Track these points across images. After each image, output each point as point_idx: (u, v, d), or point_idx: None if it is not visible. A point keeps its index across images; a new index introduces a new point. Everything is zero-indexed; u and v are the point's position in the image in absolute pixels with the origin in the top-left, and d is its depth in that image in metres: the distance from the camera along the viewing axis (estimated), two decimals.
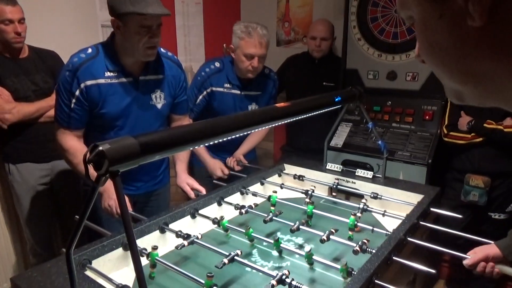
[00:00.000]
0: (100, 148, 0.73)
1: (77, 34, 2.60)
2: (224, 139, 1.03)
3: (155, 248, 1.19)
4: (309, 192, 1.70)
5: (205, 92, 2.14)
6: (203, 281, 1.05)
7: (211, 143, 1.03)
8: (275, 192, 1.65)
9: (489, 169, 2.14)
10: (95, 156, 0.73)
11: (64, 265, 0.94)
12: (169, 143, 0.84)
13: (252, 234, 1.35)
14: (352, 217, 1.40)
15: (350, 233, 1.40)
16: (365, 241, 1.27)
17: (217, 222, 1.43)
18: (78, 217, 0.81)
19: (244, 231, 1.36)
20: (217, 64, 2.17)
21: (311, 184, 1.86)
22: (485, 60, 0.38)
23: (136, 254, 0.75)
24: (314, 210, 1.58)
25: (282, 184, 1.83)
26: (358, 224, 1.43)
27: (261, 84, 2.23)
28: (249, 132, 1.11)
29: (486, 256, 1.23)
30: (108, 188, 1.56)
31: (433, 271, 1.13)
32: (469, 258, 1.24)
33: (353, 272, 1.10)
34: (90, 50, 1.61)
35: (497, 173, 2.14)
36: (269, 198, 1.62)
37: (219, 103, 2.18)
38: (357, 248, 1.23)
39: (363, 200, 1.59)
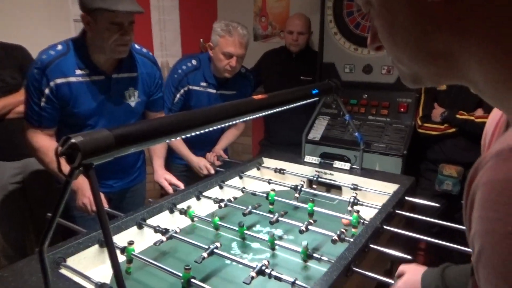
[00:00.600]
0: (73, 140, 0.71)
1: (48, 29, 2.52)
2: (201, 131, 1.02)
3: (131, 243, 1.17)
4: (298, 187, 1.69)
5: (182, 91, 2.11)
6: (180, 275, 1.04)
7: (187, 135, 1.02)
8: (273, 190, 1.62)
9: (461, 158, 2.21)
10: (67, 149, 0.71)
11: (37, 264, 0.91)
12: (144, 135, 0.83)
13: (218, 222, 1.36)
14: (355, 214, 1.40)
15: (353, 230, 1.38)
16: (343, 230, 1.29)
17: (184, 212, 1.42)
18: (51, 214, 0.78)
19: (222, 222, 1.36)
20: (194, 62, 2.13)
21: (291, 177, 1.87)
22: (445, 36, 0.39)
23: (112, 250, 0.73)
24: (292, 202, 1.59)
25: (270, 179, 1.82)
26: (346, 217, 1.45)
27: (237, 84, 2.22)
28: (225, 124, 1.10)
29: None
30: (82, 185, 1.52)
31: (409, 257, 1.15)
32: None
33: (313, 255, 1.14)
34: (60, 47, 1.56)
35: (469, 163, 2.20)
36: (267, 196, 1.60)
37: (195, 102, 2.15)
38: (336, 237, 1.24)
39: (353, 194, 1.59)
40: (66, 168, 0.76)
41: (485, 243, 0.32)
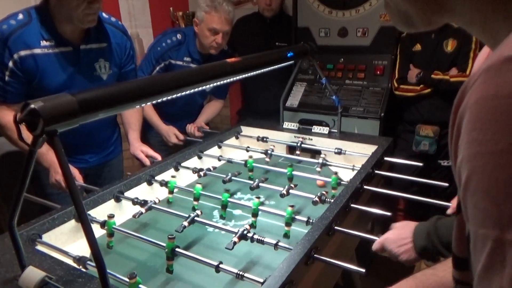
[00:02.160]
0: (32, 106, 0.66)
1: None
2: (173, 96, 0.98)
3: (111, 216, 1.14)
4: (269, 152, 1.70)
5: (162, 64, 2.07)
6: (164, 244, 1.02)
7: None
8: (251, 157, 1.62)
9: (437, 118, 2.24)
10: (27, 115, 0.66)
11: (10, 241, 0.88)
12: (111, 99, 0.78)
13: (201, 192, 1.34)
14: (333, 176, 1.41)
15: (333, 191, 1.41)
16: (324, 192, 1.29)
17: (165, 184, 1.40)
18: (18, 186, 0.74)
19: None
20: (179, 36, 2.10)
21: (273, 144, 1.86)
22: None
23: (86, 222, 0.70)
24: (273, 168, 1.59)
25: (248, 147, 1.81)
26: (321, 178, 1.45)
27: (220, 59, 2.15)
28: (198, 89, 1.06)
29: None
30: (54, 161, 1.46)
31: (389, 213, 1.17)
32: (451, 206, 1.21)
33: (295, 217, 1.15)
34: (21, 16, 1.46)
35: (445, 122, 2.24)
36: (245, 163, 1.59)
37: None
38: (316, 199, 1.25)
39: (322, 155, 1.61)
40: (30, 138, 0.71)
41: (475, 167, 0.30)
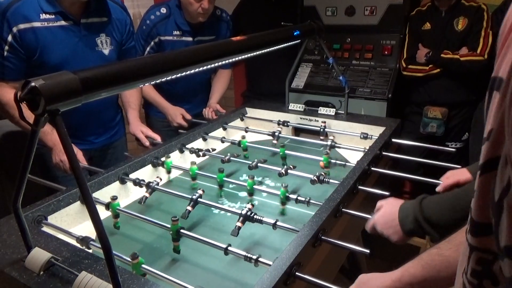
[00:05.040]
0: (33, 84, 0.64)
1: None
2: (177, 75, 0.96)
3: (114, 198, 1.13)
4: (276, 134, 1.69)
5: (152, 43, 1.97)
6: (168, 226, 1.01)
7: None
8: (244, 137, 1.61)
9: (446, 100, 2.19)
10: (27, 93, 0.64)
11: (16, 223, 0.87)
12: (115, 78, 0.76)
13: (196, 171, 1.35)
14: (324, 156, 1.40)
15: (325, 169, 1.40)
16: (322, 172, 1.27)
17: (161, 163, 1.41)
18: (21, 166, 0.73)
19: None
20: (163, 10, 1.97)
21: (279, 127, 1.84)
22: None
23: (90, 203, 0.69)
24: (269, 148, 1.60)
25: (247, 127, 1.80)
26: (318, 159, 1.44)
27: (214, 27, 2.08)
28: (202, 68, 1.03)
29: (457, 181, 1.21)
30: (58, 141, 1.45)
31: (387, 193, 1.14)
32: (441, 184, 1.23)
33: (299, 198, 1.14)
34: None
35: (453, 103, 2.20)
36: (239, 143, 1.58)
37: None
38: (315, 178, 1.23)
39: (330, 138, 1.59)
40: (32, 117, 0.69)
41: None
